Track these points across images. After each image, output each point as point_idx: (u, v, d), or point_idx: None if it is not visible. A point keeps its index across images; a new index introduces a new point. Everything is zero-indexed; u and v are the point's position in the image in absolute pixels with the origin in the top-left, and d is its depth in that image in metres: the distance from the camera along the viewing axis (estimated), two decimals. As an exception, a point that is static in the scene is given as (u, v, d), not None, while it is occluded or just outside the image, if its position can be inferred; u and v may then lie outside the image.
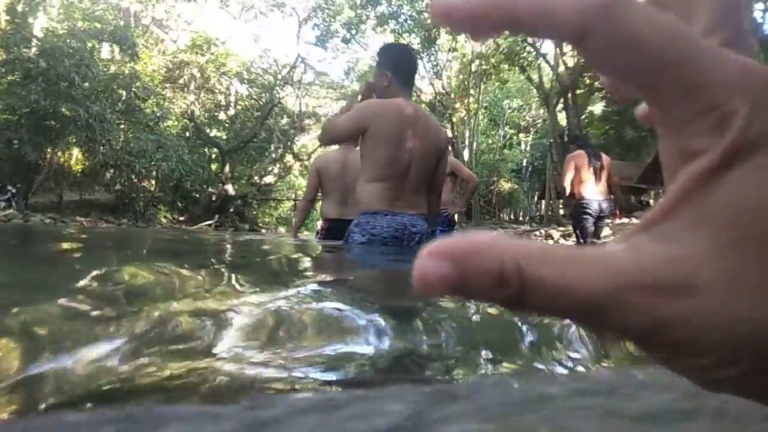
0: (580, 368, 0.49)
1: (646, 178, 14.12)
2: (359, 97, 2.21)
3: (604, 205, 4.00)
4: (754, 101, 0.14)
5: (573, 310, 0.13)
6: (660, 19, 0.14)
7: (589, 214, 3.98)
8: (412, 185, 2.04)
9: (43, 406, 0.35)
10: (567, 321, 0.14)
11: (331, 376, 0.43)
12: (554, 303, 0.13)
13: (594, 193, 3.95)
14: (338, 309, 0.62)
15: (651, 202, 15.22)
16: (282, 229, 18.07)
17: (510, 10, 0.14)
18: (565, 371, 0.50)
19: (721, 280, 0.13)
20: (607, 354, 0.53)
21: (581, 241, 4.10)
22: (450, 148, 4.53)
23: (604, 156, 4.05)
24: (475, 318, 0.59)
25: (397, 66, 2.09)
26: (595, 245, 0.14)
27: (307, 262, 1.68)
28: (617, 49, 0.14)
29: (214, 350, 0.48)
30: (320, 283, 0.97)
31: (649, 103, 0.15)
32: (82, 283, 0.86)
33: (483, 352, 0.54)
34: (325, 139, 2.17)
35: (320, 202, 3.15)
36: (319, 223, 3.34)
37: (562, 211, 17.57)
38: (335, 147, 3.04)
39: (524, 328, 0.55)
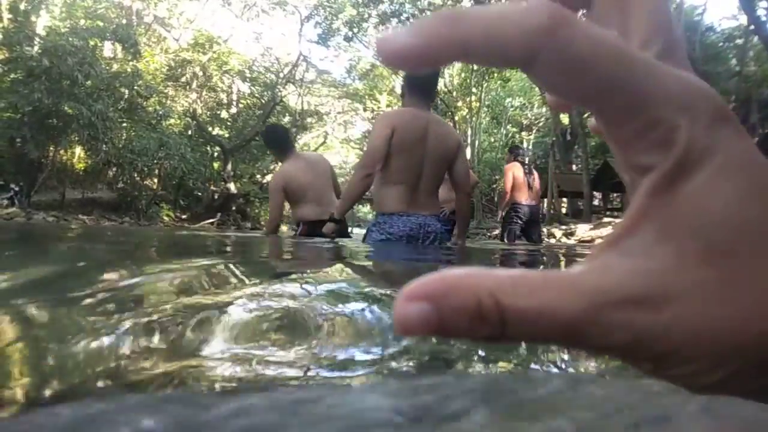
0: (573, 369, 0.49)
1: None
2: None
3: (535, 210, 4.78)
4: (694, 116, 0.14)
5: (555, 334, 0.14)
6: (604, 40, 0.14)
7: (520, 218, 4.66)
8: (426, 188, 2.22)
9: (36, 400, 0.35)
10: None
11: (324, 372, 0.43)
12: (536, 330, 0.13)
13: (527, 199, 4.66)
14: (336, 304, 0.62)
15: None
16: (284, 228, 18.09)
17: (459, 44, 0.14)
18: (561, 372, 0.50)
19: (693, 290, 0.13)
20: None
21: (506, 241, 4.74)
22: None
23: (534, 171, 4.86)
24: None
25: (410, 81, 2.27)
26: (561, 271, 0.14)
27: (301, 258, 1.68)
28: (564, 72, 0.14)
29: (222, 346, 0.48)
30: (319, 277, 0.97)
31: (598, 120, 0.16)
32: (83, 278, 0.87)
33: (480, 351, 0.54)
34: (372, 160, 2.13)
35: (290, 211, 3.12)
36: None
37: (564, 210, 17.52)
38: (290, 159, 3.08)
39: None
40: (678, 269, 0.14)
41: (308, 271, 1.16)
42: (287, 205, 3.13)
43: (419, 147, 2.14)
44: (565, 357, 0.51)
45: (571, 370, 0.50)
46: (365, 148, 2.17)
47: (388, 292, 0.69)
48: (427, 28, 0.14)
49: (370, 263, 1.54)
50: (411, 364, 0.48)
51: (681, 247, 0.14)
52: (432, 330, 0.13)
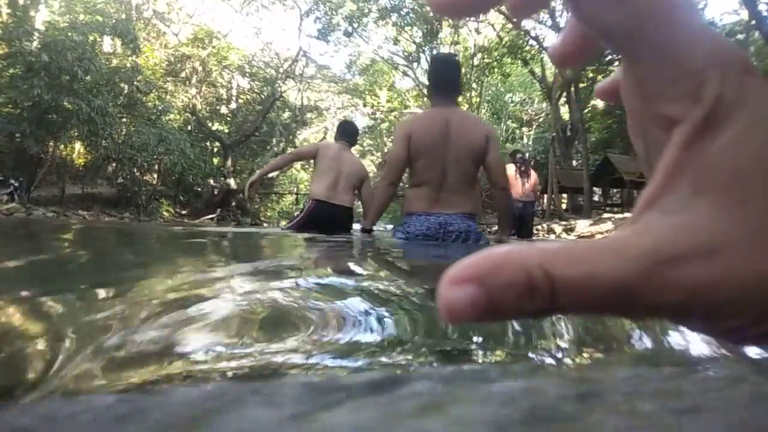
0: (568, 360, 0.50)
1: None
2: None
3: (529, 206, 5.50)
4: (724, 69, 0.14)
5: (606, 300, 0.13)
6: None
7: (512, 213, 5.27)
8: (451, 186, 2.25)
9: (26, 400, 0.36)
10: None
11: (319, 363, 0.44)
12: (587, 298, 0.13)
13: (519, 195, 5.31)
14: (327, 298, 0.63)
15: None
16: (284, 223, 18.09)
17: None
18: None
19: (738, 239, 0.13)
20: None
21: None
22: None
23: (532, 171, 5.61)
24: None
25: (431, 78, 2.38)
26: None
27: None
28: (608, 5, 0.14)
29: (222, 339, 0.49)
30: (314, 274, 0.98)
31: (626, 67, 0.16)
32: (82, 273, 0.87)
33: (480, 342, 0.55)
34: (392, 171, 2.29)
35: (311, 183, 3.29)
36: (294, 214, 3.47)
37: (564, 205, 17.51)
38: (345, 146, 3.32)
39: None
40: (718, 221, 0.14)
41: (314, 267, 1.17)
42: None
43: (440, 147, 2.19)
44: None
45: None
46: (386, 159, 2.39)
47: (393, 287, 0.70)
48: None
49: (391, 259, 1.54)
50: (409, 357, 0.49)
51: (717, 198, 0.14)
52: (481, 312, 0.13)
